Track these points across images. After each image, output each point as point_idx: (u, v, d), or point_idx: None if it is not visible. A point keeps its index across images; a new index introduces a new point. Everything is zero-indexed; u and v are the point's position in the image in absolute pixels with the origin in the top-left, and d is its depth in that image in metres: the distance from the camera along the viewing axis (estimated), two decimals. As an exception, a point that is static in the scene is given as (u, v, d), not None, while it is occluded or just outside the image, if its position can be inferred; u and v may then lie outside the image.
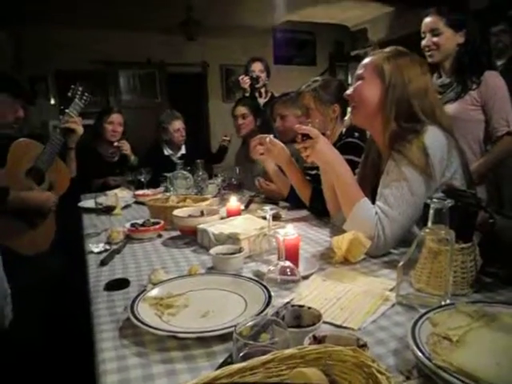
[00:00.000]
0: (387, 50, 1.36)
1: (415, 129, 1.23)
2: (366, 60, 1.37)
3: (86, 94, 2.32)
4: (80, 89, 2.31)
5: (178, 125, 3.29)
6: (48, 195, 1.95)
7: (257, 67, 3.29)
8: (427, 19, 1.99)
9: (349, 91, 1.40)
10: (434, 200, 0.93)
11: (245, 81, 3.23)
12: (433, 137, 1.22)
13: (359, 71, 1.37)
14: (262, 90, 3.32)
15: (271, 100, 3.10)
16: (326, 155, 1.33)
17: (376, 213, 1.24)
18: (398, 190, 1.22)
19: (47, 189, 2.03)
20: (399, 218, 1.22)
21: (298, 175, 1.76)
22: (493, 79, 1.91)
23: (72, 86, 2.32)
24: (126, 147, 3.05)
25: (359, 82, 1.35)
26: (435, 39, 1.95)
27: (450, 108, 1.94)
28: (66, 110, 2.28)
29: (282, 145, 1.73)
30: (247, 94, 3.26)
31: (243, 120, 2.88)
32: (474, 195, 1.04)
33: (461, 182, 1.26)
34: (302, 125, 1.38)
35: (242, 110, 2.90)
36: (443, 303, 0.90)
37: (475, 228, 1.00)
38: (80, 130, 2.32)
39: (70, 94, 2.31)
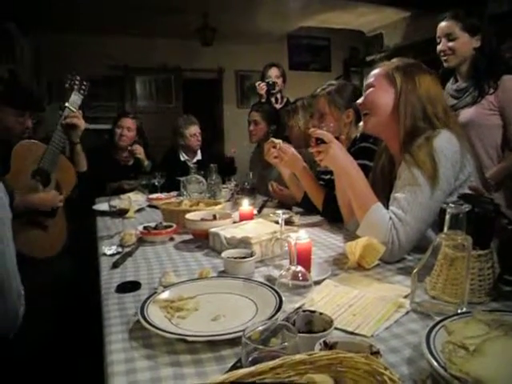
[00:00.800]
0: (395, 60, 1.36)
1: (427, 133, 1.22)
2: (376, 70, 1.37)
3: (85, 83, 2.14)
4: (78, 78, 2.13)
5: (194, 130, 3.30)
6: (53, 194, 1.92)
7: (273, 73, 3.29)
8: (442, 24, 1.96)
9: (360, 100, 1.40)
10: (451, 205, 0.90)
11: (261, 87, 3.23)
12: (445, 139, 1.21)
13: (369, 80, 1.37)
14: (278, 96, 3.32)
15: (286, 105, 3.10)
16: (339, 160, 1.33)
17: (390, 218, 1.22)
18: (410, 194, 1.20)
19: (54, 188, 2.00)
20: (413, 222, 1.19)
21: (311, 181, 1.75)
22: (510, 83, 1.87)
23: (68, 76, 2.13)
24: (139, 151, 3.06)
25: (370, 90, 1.35)
26: (451, 44, 1.93)
27: (467, 112, 1.91)
28: (66, 104, 2.11)
29: (293, 151, 1.72)
30: (263, 100, 3.26)
31: (254, 126, 2.88)
32: (492, 201, 1.01)
33: (476, 183, 1.24)
34: (316, 129, 1.37)
35: (254, 115, 2.89)
36: (459, 311, 0.87)
37: (493, 234, 0.97)
38: (82, 124, 2.15)
39: (67, 85, 2.12)
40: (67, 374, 1.26)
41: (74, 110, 2.10)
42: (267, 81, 3.23)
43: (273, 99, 3.29)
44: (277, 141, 1.74)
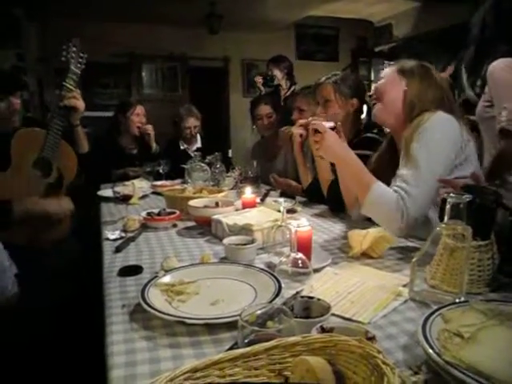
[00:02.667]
0: (406, 60, 1.45)
1: (426, 114, 1.29)
2: (388, 67, 1.46)
3: (82, 55, 1.91)
4: (74, 50, 1.90)
5: (190, 122, 3.25)
6: (59, 204, 1.73)
7: (272, 69, 3.33)
8: None
9: (372, 91, 1.48)
10: (452, 195, 0.90)
11: (258, 80, 3.26)
12: (443, 118, 1.27)
13: (381, 75, 1.47)
14: (281, 88, 3.31)
15: (292, 95, 3.08)
16: (333, 150, 1.33)
17: (395, 191, 1.24)
18: (412, 170, 1.23)
19: (56, 177, 1.88)
20: (418, 194, 1.21)
21: (327, 163, 1.73)
22: (492, 70, 1.72)
23: (64, 47, 1.91)
24: (151, 130, 3.07)
25: (381, 80, 1.43)
26: None
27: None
28: (63, 83, 1.90)
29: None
30: (263, 93, 3.28)
31: (269, 119, 2.83)
32: (495, 191, 1.01)
33: (476, 164, 1.31)
34: (313, 119, 1.39)
35: (266, 109, 2.83)
36: (457, 300, 0.87)
37: (494, 225, 0.97)
38: (81, 105, 1.96)
39: (63, 58, 1.89)
40: (69, 354, 1.28)
41: (72, 88, 1.91)
42: (265, 73, 3.26)
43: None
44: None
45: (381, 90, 1.41)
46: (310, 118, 1.41)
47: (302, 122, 1.75)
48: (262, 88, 3.26)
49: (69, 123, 1.99)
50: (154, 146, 3.09)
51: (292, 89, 3.33)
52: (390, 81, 1.40)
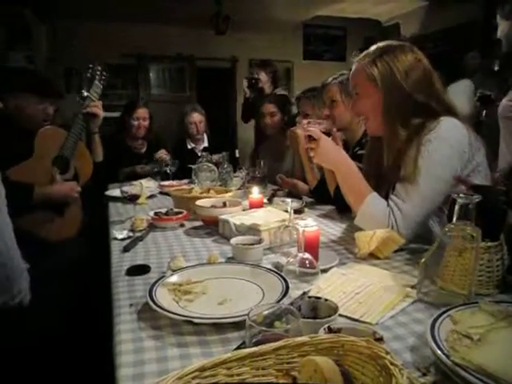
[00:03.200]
0: (371, 50, 1.30)
1: (432, 124, 1.19)
2: (353, 70, 1.33)
3: (105, 74, 2.19)
4: (99, 68, 2.17)
5: (194, 118, 3.29)
6: (70, 186, 1.91)
7: (258, 72, 3.40)
8: None
9: (352, 110, 1.40)
10: (461, 195, 0.89)
11: (244, 83, 3.33)
12: (449, 127, 1.18)
13: (352, 84, 1.35)
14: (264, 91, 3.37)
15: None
16: (328, 157, 1.32)
17: (388, 205, 1.22)
18: (411, 185, 1.19)
19: (72, 176, 2.02)
20: (412, 211, 1.19)
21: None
22: None
23: (90, 65, 2.18)
24: (165, 158, 3.04)
25: (356, 98, 1.34)
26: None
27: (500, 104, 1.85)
28: (86, 94, 2.14)
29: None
30: (247, 96, 3.34)
31: (271, 118, 2.81)
32: (505, 192, 1.00)
33: (485, 172, 1.23)
34: (307, 125, 1.36)
35: (270, 107, 2.82)
36: (466, 302, 0.87)
37: (503, 226, 0.96)
38: (102, 114, 2.19)
39: (89, 75, 2.17)
40: (77, 353, 1.29)
41: (94, 99, 2.14)
42: (250, 77, 3.32)
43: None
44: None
45: (359, 106, 1.33)
46: (305, 121, 1.38)
47: (306, 122, 1.75)
48: (247, 90, 3.32)
49: (87, 130, 2.18)
50: (170, 163, 3.00)
51: (273, 92, 3.38)
52: (364, 94, 1.30)
